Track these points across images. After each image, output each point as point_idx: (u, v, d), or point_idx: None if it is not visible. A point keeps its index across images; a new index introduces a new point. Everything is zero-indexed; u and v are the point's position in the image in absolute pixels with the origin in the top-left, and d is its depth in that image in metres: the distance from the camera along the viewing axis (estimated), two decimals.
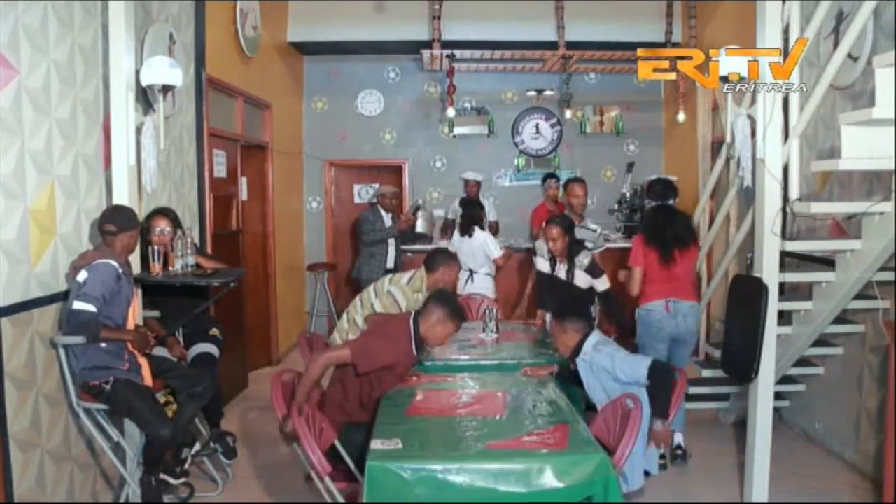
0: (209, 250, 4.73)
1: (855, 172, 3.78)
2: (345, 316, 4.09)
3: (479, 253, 5.39)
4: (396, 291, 3.95)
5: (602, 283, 4.21)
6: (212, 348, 3.84)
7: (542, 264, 4.42)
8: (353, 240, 7.32)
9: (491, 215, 6.92)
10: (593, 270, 4.19)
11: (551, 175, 6.79)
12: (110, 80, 3.37)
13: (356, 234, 6.64)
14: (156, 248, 3.54)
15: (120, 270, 3.03)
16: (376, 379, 3.07)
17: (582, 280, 4.19)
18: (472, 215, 5.55)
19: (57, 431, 3.09)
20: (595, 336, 3.26)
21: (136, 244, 3.24)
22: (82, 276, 2.95)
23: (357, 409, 3.09)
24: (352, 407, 3.09)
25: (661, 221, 4.04)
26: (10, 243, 2.82)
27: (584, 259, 4.18)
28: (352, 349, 3.00)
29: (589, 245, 4.58)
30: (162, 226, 3.70)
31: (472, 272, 5.40)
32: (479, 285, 5.38)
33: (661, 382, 2.97)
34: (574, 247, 4.22)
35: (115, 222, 3.12)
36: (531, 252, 5.85)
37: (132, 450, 3.32)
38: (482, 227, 5.53)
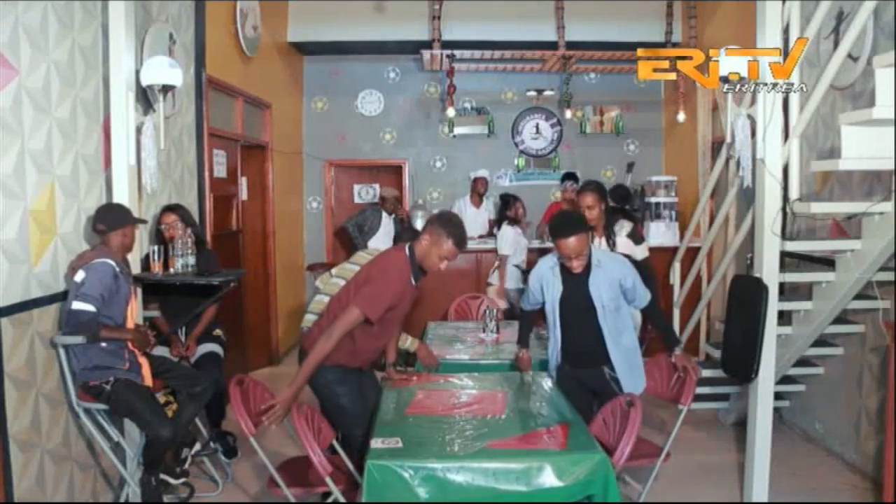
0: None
1: (855, 172, 3.78)
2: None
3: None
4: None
5: (642, 251, 4.01)
6: (216, 348, 3.91)
7: None
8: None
9: (492, 214, 6.96)
10: (635, 236, 4.00)
11: (570, 176, 6.77)
12: (110, 80, 3.38)
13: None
14: (155, 247, 3.58)
15: (117, 269, 3.03)
16: (382, 322, 2.89)
17: (625, 247, 3.92)
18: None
19: (57, 431, 3.09)
20: (594, 250, 3.19)
21: (132, 242, 3.24)
22: (80, 276, 2.95)
23: (350, 356, 2.96)
24: (346, 354, 2.94)
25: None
26: (10, 243, 2.82)
27: (624, 225, 3.99)
28: (359, 306, 2.78)
29: None
30: (168, 221, 3.82)
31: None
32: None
33: (662, 318, 3.42)
34: (611, 217, 4.01)
35: (104, 221, 3.13)
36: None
37: (132, 450, 3.32)
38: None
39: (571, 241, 2.98)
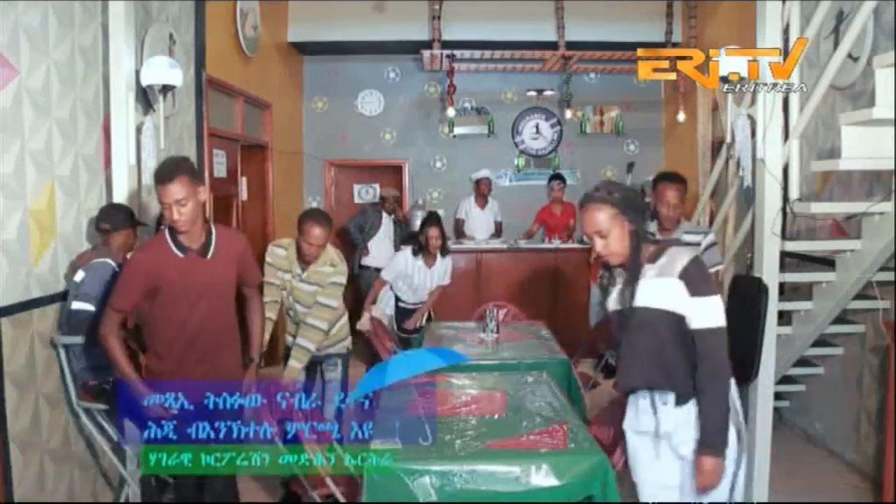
0: None
1: (855, 172, 3.78)
2: None
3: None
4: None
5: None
6: None
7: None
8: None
9: (498, 216, 6.93)
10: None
11: (556, 176, 6.79)
12: (110, 80, 3.38)
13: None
14: None
15: (117, 269, 3.03)
16: (162, 302, 2.59)
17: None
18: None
19: (57, 431, 3.09)
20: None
21: (133, 243, 3.24)
22: (80, 276, 2.95)
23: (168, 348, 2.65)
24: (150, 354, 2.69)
25: None
26: (10, 243, 2.82)
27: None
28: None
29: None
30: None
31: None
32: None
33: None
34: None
35: (109, 221, 3.13)
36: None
37: (132, 450, 3.32)
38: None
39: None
